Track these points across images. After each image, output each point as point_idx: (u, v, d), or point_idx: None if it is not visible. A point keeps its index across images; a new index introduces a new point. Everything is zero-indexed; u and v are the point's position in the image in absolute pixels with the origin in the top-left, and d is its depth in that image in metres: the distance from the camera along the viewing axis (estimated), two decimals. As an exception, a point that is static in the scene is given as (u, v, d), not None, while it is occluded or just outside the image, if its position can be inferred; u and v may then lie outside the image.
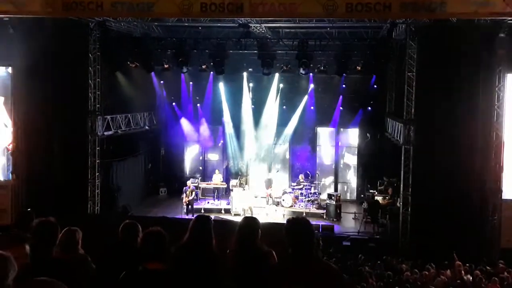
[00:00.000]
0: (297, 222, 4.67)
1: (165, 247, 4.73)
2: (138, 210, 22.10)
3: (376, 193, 21.90)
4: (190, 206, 21.17)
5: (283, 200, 22.39)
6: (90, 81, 18.78)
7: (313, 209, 21.95)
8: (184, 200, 21.22)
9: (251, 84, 24.40)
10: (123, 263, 4.90)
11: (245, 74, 23.79)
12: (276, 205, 22.25)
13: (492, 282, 12.21)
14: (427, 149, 17.61)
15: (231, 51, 20.22)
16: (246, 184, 23.09)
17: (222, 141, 25.84)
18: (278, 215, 21.35)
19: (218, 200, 23.00)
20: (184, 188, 21.78)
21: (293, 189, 23.11)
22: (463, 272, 13.49)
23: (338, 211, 21.39)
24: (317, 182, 23.76)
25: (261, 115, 24.76)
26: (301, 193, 22.30)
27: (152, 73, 22.31)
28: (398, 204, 19.45)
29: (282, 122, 24.70)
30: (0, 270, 3.58)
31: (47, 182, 17.63)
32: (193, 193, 21.51)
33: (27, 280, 3.90)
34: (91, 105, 18.89)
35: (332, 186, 24.56)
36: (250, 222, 5.66)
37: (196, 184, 23.30)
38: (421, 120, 17.82)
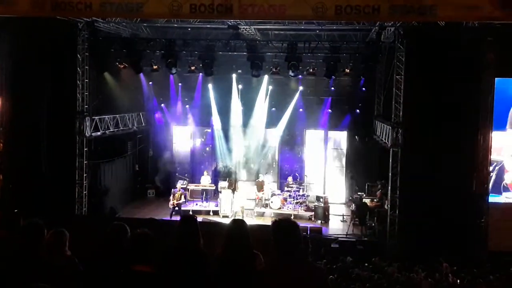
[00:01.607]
0: (283, 223, 4.67)
1: (153, 249, 4.70)
2: (126, 212, 22.02)
3: (364, 195, 21.96)
4: (178, 208, 21.04)
5: (272, 202, 22.36)
6: (78, 81, 18.70)
7: (301, 211, 21.94)
8: (171, 203, 21.05)
9: (240, 86, 24.36)
10: (111, 265, 4.87)
11: (234, 75, 23.78)
12: (264, 207, 22.17)
13: (478, 284, 12.28)
14: (415, 151, 17.70)
15: (220, 52, 20.22)
16: (234, 186, 23.02)
17: (210, 143, 25.80)
18: (266, 217, 21.33)
19: (207, 202, 22.90)
20: (173, 190, 21.67)
21: (281, 191, 23.11)
22: (450, 274, 13.55)
23: (326, 213, 21.42)
24: (305, 184, 23.79)
25: (250, 117, 24.73)
26: (290, 195, 22.27)
27: (141, 74, 22.21)
28: (386, 207, 19.52)
29: (271, 124, 24.70)
30: None
31: (34, 183, 17.51)
32: (182, 196, 21.39)
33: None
34: (79, 105, 18.80)
35: (321, 188, 24.58)
36: (238, 224, 5.64)
37: (185, 186, 23.25)
38: (409, 123, 17.90)
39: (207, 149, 26.11)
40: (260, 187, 22.16)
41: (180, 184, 22.34)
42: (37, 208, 15.58)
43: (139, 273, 4.50)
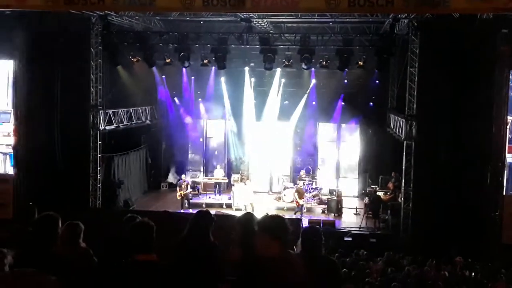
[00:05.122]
0: (315, 231, 5.43)
1: (153, 238, 4.71)
2: (139, 205, 22.13)
3: (378, 188, 21.90)
4: (187, 200, 21.13)
5: (284, 195, 22.39)
6: (91, 75, 18.77)
7: (314, 204, 21.94)
8: (178, 194, 21.14)
9: (252, 79, 24.35)
10: (125, 257, 4.90)
11: (246, 69, 23.76)
12: (277, 200, 22.04)
13: (499, 280, 12.20)
14: (429, 144, 17.63)
15: (233, 45, 20.18)
16: (247, 178, 23.03)
17: (223, 136, 25.84)
18: (279, 210, 21.31)
19: (220, 195, 23.00)
20: (179, 181, 21.72)
21: (294, 184, 23.08)
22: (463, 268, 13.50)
23: (339, 206, 21.37)
24: (318, 178, 23.78)
25: (262, 110, 24.73)
26: (303, 189, 22.23)
27: (154, 68, 22.24)
28: (399, 200, 19.46)
29: (284, 117, 24.66)
30: None
31: (49, 177, 17.66)
32: (188, 186, 21.42)
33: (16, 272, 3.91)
34: (93, 99, 18.90)
35: (334, 182, 24.54)
36: (248, 218, 5.70)
37: (198, 179, 23.32)
38: (423, 116, 17.81)
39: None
40: (301, 194, 21.08)
41: (184, 176, 22.33)
42: (52, 201, 15.70)
43: (143, 263, 4.50)
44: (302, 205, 20.74)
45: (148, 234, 4.68)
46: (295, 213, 20.41)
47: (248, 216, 5.79)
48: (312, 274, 4.45)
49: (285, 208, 21.46)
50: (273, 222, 4.37)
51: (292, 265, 4.23)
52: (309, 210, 21.45)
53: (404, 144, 18.29)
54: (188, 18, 20.12)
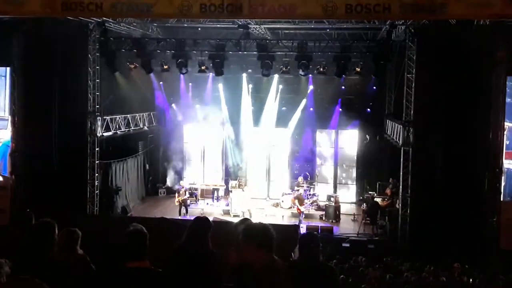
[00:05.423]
0: (312, 237, 5.56)
1: (146, 245, 4.69)
2: (137, 211, 22.10)
3: (376, 194, 21.90)
4: (185, 206, 21.09)
5: (282, 201, 22.36)
6: (89, 82, 18.78)
7: (312, 211, 21.91)
8: (176, 200, 21.12)
9: (250, 85, 24.37)
10: (120, 264, 4.88)
11: (244, 75, 23.78)
12: (275, 207, 22.06)
13: (497, 286, 12.17)
14: (426, 150, 17.62)
15: (230, 52, 20.20)
16: (245, 185, 23.01)
17: (221, 142, 25.81)
18: (277, 216, 21.30)
19: (217, 201, 22.96)
20: (177, 187, 21.69)
21: (292, 190, 23.07)
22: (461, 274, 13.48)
23: (337, 213, 21.36)
24: (316, 184, 23.75)
25: (260, 116, 24.74)
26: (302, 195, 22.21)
27: (152, 74, 22.21)
28: (397, 206, 19.45)
29: (282, 123, 24.67)
30: None
31: (46, 183, 17.60)
32: (187, 192, 21.38)
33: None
34: (91, 105, 18.89)
35: (331, 188, 24.53)
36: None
37: (195, 185, 23.27)
38: (420, 122, 17.82)
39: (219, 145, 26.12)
40: (302, 201, 21.01)
41: (184, 181, 22.31)
42: (49, 208, 15.66)
43: (136, 270, 4.48)
44: (302, 212, 20.67)
45: (142, 241, 4.65)
46: (299, 222, 20.32)
47: (246, 221, 5.80)
48: (310, 281, 4.46)
49: (283, 217, 21.37)
50: (258, 231, 4.34)
51: (278, 272, 4.21)
52: (307, 216, 21.38)
53: (402, 150, 18.30)
54: (185, 25, 20.15)
